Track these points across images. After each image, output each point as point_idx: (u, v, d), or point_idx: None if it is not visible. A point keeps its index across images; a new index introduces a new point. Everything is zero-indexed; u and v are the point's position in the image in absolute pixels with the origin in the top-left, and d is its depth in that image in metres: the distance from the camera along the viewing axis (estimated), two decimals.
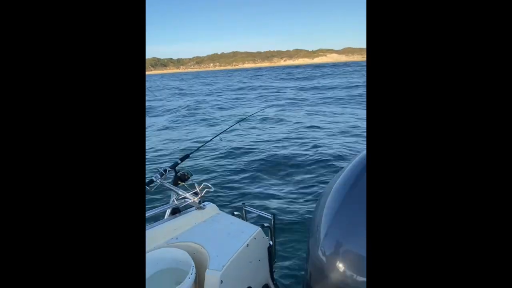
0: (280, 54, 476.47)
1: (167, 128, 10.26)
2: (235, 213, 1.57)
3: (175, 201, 1.44)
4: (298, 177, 4.90)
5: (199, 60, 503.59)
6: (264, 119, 9.87)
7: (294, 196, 4.23)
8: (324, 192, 0.85)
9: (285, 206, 3.91)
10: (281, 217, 3.47)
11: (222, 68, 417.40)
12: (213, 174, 5.31)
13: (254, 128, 8.86)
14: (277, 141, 7.31)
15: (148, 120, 11.43)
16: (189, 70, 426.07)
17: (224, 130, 2.43)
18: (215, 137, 2.22)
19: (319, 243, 0.74)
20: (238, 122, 2.63)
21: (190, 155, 1.84)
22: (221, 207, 1.57)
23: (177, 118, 11.90)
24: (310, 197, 4.15)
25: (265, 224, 1.49)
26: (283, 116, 10.56)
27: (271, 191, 4.45)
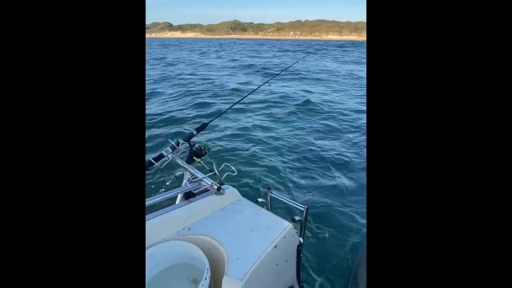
0: None
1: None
2: (259, 200, 1.27)
3: (189, 183, 1.22)
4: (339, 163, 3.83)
5: (279, 27, 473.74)
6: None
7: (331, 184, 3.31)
8: None
9: (317, 197, 3.08)
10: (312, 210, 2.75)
11: (302, 37, 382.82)
12: (232, 152, 4.13)
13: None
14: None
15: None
16: (268, 37, 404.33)
17: (251, 92, 2.16)
18: (241, 100, 1.92)
19: None
20: (266, 82, 2.38)
21: (208, 125, 1.55)
22: (241, 192, 1.25)
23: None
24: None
25: (296, 218, 1.16)
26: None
27: (303, 177, 3.46)
